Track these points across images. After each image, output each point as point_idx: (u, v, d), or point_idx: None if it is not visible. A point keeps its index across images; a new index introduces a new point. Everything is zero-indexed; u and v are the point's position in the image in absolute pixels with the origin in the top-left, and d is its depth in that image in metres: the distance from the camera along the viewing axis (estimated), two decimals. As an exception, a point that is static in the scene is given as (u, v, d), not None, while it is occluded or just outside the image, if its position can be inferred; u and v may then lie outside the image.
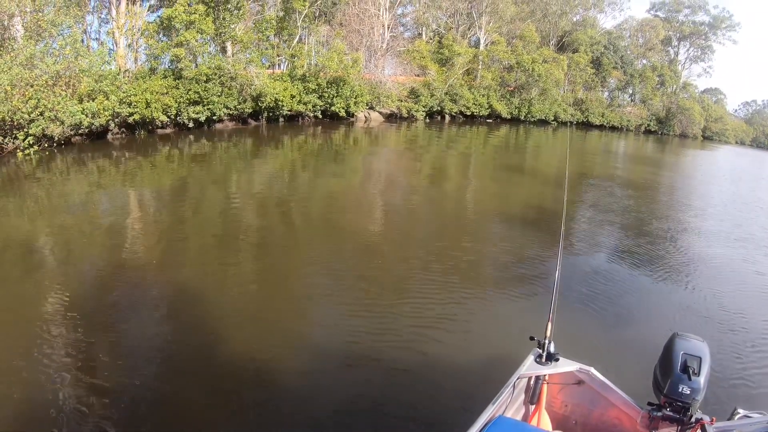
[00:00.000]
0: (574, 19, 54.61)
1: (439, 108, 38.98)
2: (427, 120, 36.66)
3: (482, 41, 48.77)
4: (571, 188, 17.12)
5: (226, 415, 5.07)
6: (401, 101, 33.83)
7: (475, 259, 9.34)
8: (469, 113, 43.23)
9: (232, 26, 25.55)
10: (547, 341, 3.58)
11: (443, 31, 46.70)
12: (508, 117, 46.70)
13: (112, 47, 25.14)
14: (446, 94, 39.86)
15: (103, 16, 29.61)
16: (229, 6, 25.35)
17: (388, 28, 37.35)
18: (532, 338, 3.70)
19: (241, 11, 25.76)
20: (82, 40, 24.56)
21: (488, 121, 45.79)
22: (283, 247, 9.93)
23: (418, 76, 38.06)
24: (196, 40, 23.58)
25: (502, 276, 8.62)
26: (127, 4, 26.18)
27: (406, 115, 34.28)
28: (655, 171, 26.31)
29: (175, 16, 23.12)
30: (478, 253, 9.81)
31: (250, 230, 10.97)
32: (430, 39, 44.99)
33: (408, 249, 9.68)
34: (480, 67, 46.99)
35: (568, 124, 49.98)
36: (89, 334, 6.67)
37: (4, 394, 5.55)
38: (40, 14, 22.30)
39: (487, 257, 9.66)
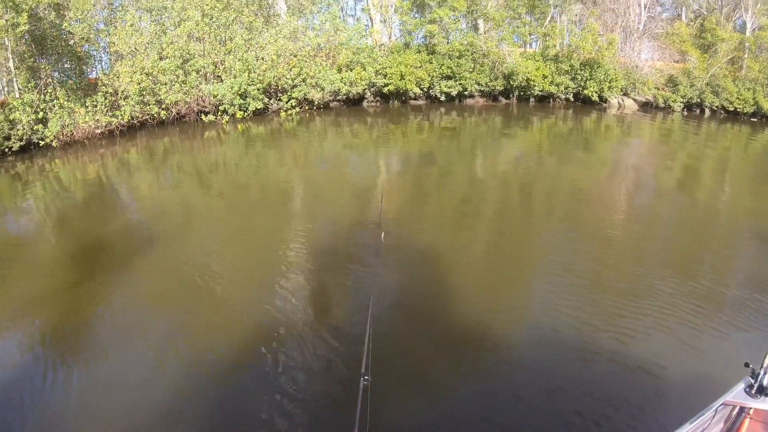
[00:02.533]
0: None
1: (698, 100, 33.27)
2: (685, 112, 31.43)
3: (749, 25, 40.71)
4: None
5: (444, 366, 5.09)
6: (657, 89, 29.43)
7: (713, 275, 8.05)
8: (731, 108, 36.18)
9: (484, 4, 24.89)
10: (762, 372, 3.21)
11: (705, 12, 39.91)
12: (774, 117, 37.96)
13: (367, 23, 26.48)
14: (707, 84, 33.92)
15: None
16: (481, -16, 24.61)
17: (645, 7, 32.88)
18: (746, 365, 3.33)
19: (493, -11, 24.84)
20: (340, 17, 26.35)
21: (752, 119, 37.99)
22: (520, 225, 9.81)
23: (677, 62, 32.82)
24: (449, 17, 23.52)
25: (739, 295, 7.40)
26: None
27: (662, 105, 29.75)
28: None
29: (428, -6, 23.15)
30: (719, 269, 8.43)
31: (489, 204, 10.96)
32: (691, 21, 38.72)
33: (643, 252, 8.85)
34: (746, 56, 39.19)
35: None
36: (332, 267, 7.32)
37: (229, 297, 6.67)
38: (300, -7, 24.28)
39: (728, 275, 8.23)
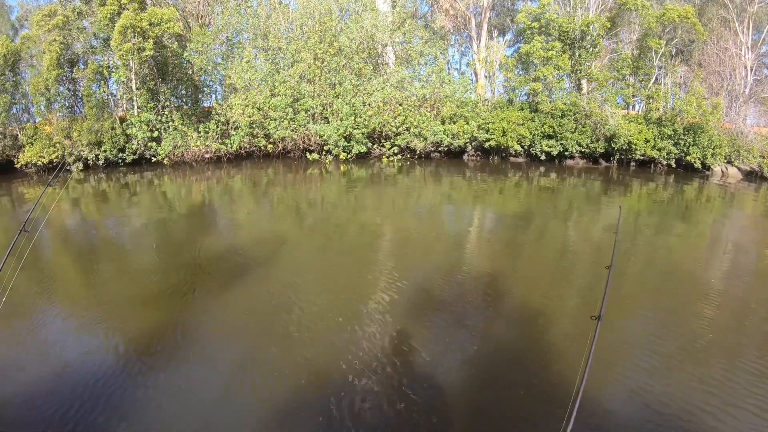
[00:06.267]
0: None
1: (805, 171, 31.41)
2: (790, 183, 29.78)
3: None
4: None
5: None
6: (763, 157, 27.95)
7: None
8: (839, 179, 33.86)
9: (588, 64, 24.78)
10: None
11: (813, 76, 37.89)
12: None
13: (472, 78, 26.98)
14: (814, 154, 31.99)
15: (463, 48, 32.52)
16: (584, 44, 24.72)
17: (752, 70, 31.52)
18: None
19: (596, 49, 24.83)
20: (446, 70, 26.97)
21: None
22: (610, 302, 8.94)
23: (783, 129, 31.16)
24: (553, 76, 23.58)
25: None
26: (487, 38, 27.73)
27: (767, 175, 28.24)
28: None
29: (533, 52, 23.49)
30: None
31: (580, 274, 10.31)
32: (798, 85, 36.91)
33: (742, 335, 7.72)
34: None
35: None
36: (405, 314, 7.44)
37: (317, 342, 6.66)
38: (409, 45, 25.15)
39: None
